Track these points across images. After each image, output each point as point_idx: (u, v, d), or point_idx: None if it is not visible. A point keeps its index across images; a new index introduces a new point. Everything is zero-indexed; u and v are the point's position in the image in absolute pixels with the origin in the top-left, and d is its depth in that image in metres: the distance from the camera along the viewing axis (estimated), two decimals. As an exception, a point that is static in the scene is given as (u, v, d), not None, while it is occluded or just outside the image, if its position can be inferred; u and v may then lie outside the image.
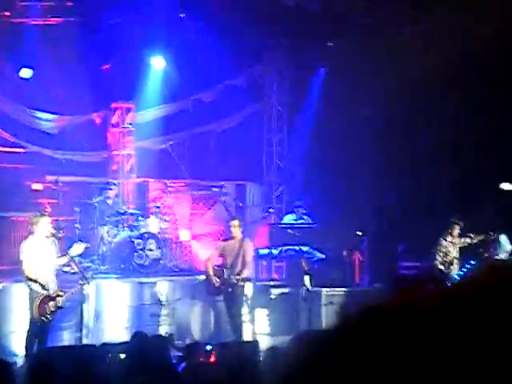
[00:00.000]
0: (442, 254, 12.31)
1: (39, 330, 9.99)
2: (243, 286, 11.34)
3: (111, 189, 14.39)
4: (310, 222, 15.47)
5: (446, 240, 12.46)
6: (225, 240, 11.72)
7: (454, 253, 12.42)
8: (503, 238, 13.11)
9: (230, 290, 11.19)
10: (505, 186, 15.08)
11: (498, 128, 15.05)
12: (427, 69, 14.45)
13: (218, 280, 11.18)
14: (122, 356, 7.61)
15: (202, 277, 11.98)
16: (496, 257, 12.88)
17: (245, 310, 13.00)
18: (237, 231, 11.36)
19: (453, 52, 14.06)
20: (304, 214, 15.55)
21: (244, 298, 13.03)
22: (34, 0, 14.00)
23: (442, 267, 12.17)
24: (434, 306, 1.27)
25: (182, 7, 15.11)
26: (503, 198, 14.44)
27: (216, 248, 11.81)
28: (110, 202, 14.27)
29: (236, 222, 11.41)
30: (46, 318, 9.94)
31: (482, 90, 14.83)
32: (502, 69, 14.72)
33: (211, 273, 11.24)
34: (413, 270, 13.93)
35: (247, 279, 11.35)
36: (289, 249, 15.19)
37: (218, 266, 11.39)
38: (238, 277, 11.14)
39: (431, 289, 1.35)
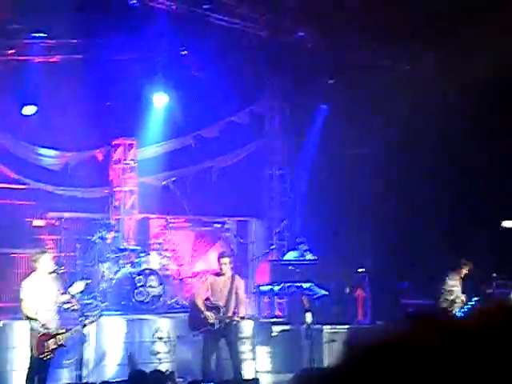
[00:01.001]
0: (446, 293, 12.24)
1: (39, 367, 9.92)
2: (239, 324, 11.21)
3: (113, 226, 14.36)
4: (313, 258, 15.42)
5: (452, 280, 12.40)
6: (214, 275, 11.51)
7: (459, 293, 12.36)
8: None
9: (224, 327, 11.02)
10: (507, 223, 15.10)
11: (500, 166, 15.11)
12: (427, 107, 14.55)
13: (213, 316, 11.02)
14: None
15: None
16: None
17: (246, 348, 12.92)
18: (227, 268, 11.20)
19: (452, 91, 14.15)
20: (306, 250, 15.51)
21: (245, 335, 12.97)
22: (37, 38, 14.10)
23: (445, 305, 12.10)
24: (441, 342, 1.25)
25: (184, 44, 15.22)
26: (505, 236, 14.44)
27: (203, 283, 11.59)
28: (109, 239, 14.23)
29: (226, 260, 11.24)
30: (46, 355, 9.87)
31: (483, 130, 14.91)
32: (501, 109, 14.83)
33: (203, 309, 11.08)
34: (415, 307, 13.85)
35: (244, 317, 11.22)
36: (290, 285, 15.13)
37: (210, 303, 11.21)
38: (235, 315, 11.02)
39: (438, 324, 1.33)
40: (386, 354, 1.28)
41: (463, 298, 12.28)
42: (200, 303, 11.09)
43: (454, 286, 12.38)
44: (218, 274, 11.32)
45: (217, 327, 10.98)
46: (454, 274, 12.43)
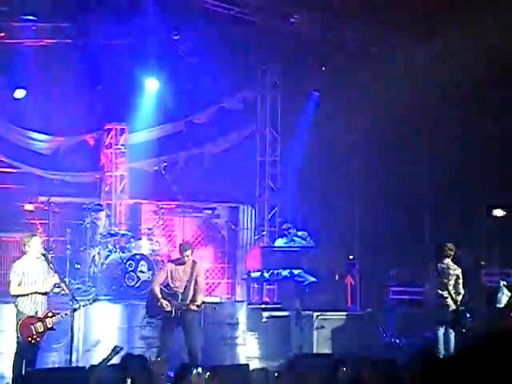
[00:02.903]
0: (439, 278, 12.19)
1: (27, 351, 9.90)
2: (197, 311, 11.09)
3: (102, 210, 14.34)
4: (303, 243, 15.45)
5: (442, 264, 12.35)
6: (174, 263, 11.47)
7: (450, 278, 12.32)
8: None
9: (181, 315, 10.88)
10: (497, 212, 15.15)
11: (489, 154, 15.14)
12: (419, 94, 14.57)
13: (169, 304, 10.98)
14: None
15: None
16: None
17: (237, 333, 12.96)
18: (189, 259, 11.21)
19: (443, 78, 14.17)
20: (296, 235, 15.52)
21: (236, 321, 12.99)
22: (28, 21, 14.03)
23: (440, 291, 12.08)
24: None
25: (176, 29, 15.17)
26: (495, 224, 14.49)
27: (162, 270, 11.55)
28: (100, 223, 14.23)
29: (189, 252, 11.11)
30: (33, 339, 9.85)
31: (474, 118, 14.94)
32: (492, 99, 14.86)
33: (160, 296, 11.04)
34: (404, 294, 13.92)
35: (200, 305, 10.97)
36: (280, 272, 15.17)
37: (168, 290, 11.07)
38: (195, 303, 10.88)
39: None
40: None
41: (452, 287, 12.21)
42: (157, 290, 10.97)
43: (444, 269, 12.30)
44: (178, 263, 11.25)
45: (173, 315, 10.88)
46: (442, 258, 12.35)
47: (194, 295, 11.01)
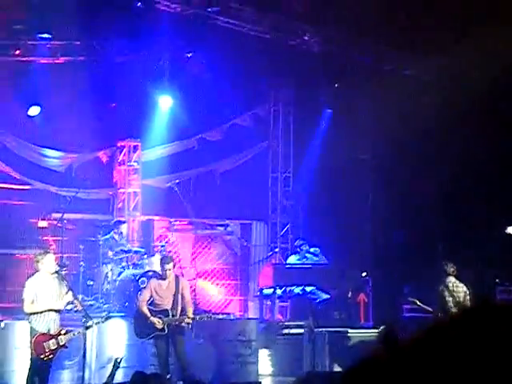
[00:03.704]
0: (451, 298, 12.16)
1: (40, 368, 9.92)
2: (186, 325, 10.96)
3: (117, 227, 14.34)
4: (315, 259, 15.43)
5: (449, 282, 12.34)
6: (157, 279, 11.34)
7: (460, 295, 12.28)
8: None
9: (174, 330, 10.82)
10: (511, 230, 15.09)
11: (503, 172, 15.11)
12: (431, 112, 14.57)
13: (160, 321, 10.94)
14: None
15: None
16: None
17: (249, 350, 12.92)
18: (170, 273, 11.08)
19: (455, 95, 14.16)
20: (308, 252, 15.50)
21: (247, 338, 12.95)
22: (43, 39, 14.14)
23: (453, 310, 12.03)
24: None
25: (189, 46, 15.25)
26: (510, 241, 14.43)
27: (146, 289, 11.43)
28: (115, 239, 14.24)
29: (170, 265, 11.05)
30: (46, 356, 9.86)
31: (484, 134, 14.92)
32: (504, 114, 14.85)
33: (149, 315, 10.90)
34: (418, 312, 13.84)
35: (193, 318, 10.94)
36: (293, 289, 15.14)
37: (155, 308, 10.97)
38: (185, 317, 10.83)
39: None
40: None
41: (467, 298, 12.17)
42: (145, 310, 10.92)
43: (453, 287, 12.28)
44: (161, 278, 11.22)
45: (166, 332, 10.80)
46: (446, 276, 12.32)
47: (183, 309, 10.95)
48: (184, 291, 11.09)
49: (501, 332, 1.27)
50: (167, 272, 11.06)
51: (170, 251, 14.89)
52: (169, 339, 10.91)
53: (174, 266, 11.31)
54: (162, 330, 10.86)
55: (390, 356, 1.32)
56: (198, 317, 11.12)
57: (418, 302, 12.24)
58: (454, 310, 11.99)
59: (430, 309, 12.07)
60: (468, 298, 12.09)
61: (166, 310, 10.93)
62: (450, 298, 12.05)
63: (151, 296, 11.07)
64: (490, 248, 14.73)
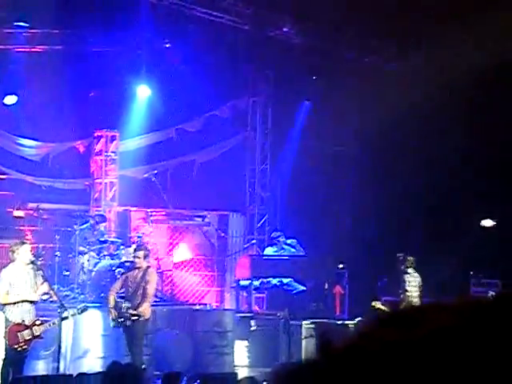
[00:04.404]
0: (414, 289, 12.36)
1: (14, 358, 9.89)
2: (142, 320, 10.79)
3: (98, 222, 14.27)
4: (293, 251, 15.48)
5: (410, 274, 12.51)
6: (130, 269, 11.30)
7: (419, 287, 12.47)
8: None
9: (127, 323, 10.71)
10: (486, 222, 15.22)
11: (478, 166, 15.22)
12: (409, 105, 14.63)
13: (116, 313, 10.78)
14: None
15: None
16: None
17: (224, 342, 12.95)
18: (141, 261, 10.99)
19: (436, 88, 14.23)
20: (286, 243, 15.55)
21: (223, 329, 12.97)
22: (20, 28, 14.04)
23: (416, 300, 12.20)
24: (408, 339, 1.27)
25: (168, 37, 15.19)
26: (483, 234, 14.55)
27: (120, 278, 11.36)
28: (90, 230, 14.20)
29: (141, 253, 11.04)
30: (20, 346, 9.83)
31: (464, 126, 15.01)
32: (485, 105, 14.94)
33: (111, 305, 10.83)
34: (393, 304, 13.93)
35: (139, 315, 10.72)
36: (270, 280, 15.18)
37: (121, 298, 10.95)
38: (133, 311, 10.67)
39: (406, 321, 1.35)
40: (355, 354, 1.29)
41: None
42: (111, 299, 10.85)
43: (410, 279, 12.46)
44: (133, 268, 11.17)
45: (118, 323, 10.70)
46: (405, 268, 12.45)
47: (140, 303, 10.80)
48: (147, 285, 10.88)
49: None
50: (136, 260, 10.99)
51: (146, 242, 14.85)
52: (127, 330, 10.82)
53: (146, 257, 11.21)
54: (114, 320, 10.75)
55: (320, 362, 1.33)
56: (142, 315, 10.77)
57: (378, 306, 12.31)
58: (415, 300, 12.14)
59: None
60: (421, 289, 12.33)
61: (121, 301, 10.84)
62: (410, 288, 12.26)
63: (122, 286, 11.00)
64: (464, 240, 14.85)
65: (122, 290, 11.07)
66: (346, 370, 1.26)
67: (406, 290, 12.20)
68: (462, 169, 15.13)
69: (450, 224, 15.34)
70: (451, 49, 13.65)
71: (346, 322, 13.90)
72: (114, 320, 10.80)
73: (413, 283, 12.26)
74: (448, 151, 15.27)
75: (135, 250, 11.29)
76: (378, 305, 12.29)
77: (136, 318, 10.69)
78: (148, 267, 11.13)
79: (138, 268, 11.00)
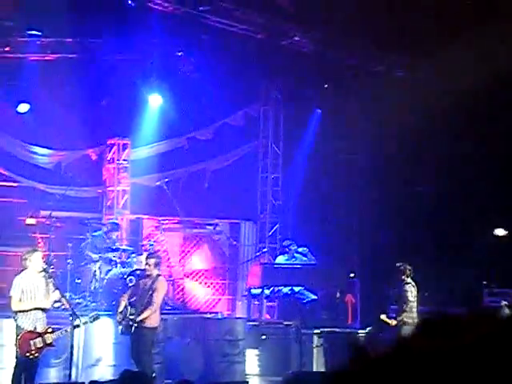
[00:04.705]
0: (415, 298, 12.30)
1: (26, 366, 9.90)
2: (148, 328, 10.68)
3: (112, 230, 14.29)
4: (304, 260, 15.46)
5: (411, 284, 12.44)
6: (141, 277, 11.27)
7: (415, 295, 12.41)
8: None
9: (130, 330, 10.64)
10: (499, 231, 15.15)
11: (493, 173, 15.15)
12: (420, 113, 14.60)
13: (121, 318, 10.67)
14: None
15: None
16: None
17: (236, 350, 12.92)
18: (151, 269, 10.95)
19: (448, 95, 14.19)
20: (297, 252, 15.53)
21: (235, 338, 12.94)
22: (33, 36, 14.10)
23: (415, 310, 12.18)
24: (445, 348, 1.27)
25: (180, 45, 15.23)
26: (497, 244, 14.47)
27: (132, 286, 11.36)
28: (103, 238, 14.22)
29: (152, 261, 10.99)
30: (32, 354, 9.84)
31: (477, 134, 14.96)
32: (499, 113, 14.89)
33: (119, 310, 10.78)
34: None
35: (137, 321, 10.59)
36: (281, 289, 15.16)
37: (129, 304, 10.85)
38: (132, 317, 10.61)
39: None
40: (396, 360, 1.29)
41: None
42: (121, 305, 10.81)
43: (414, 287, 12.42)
44: (145, 276, 11.16)
45: (124, 328, 10.66)
46: (405, 278, 12.38)
47: (142, 310, 10.73)
48: (155, 293, 10.80)
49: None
50: (147, 267, 10.99)
51: (158, 250, 14.87)
52: (132, 338, 10.78)
53: (158, 265, 11.20)
54: (120, 324, 10.72)
55: (361, 369, 1.32)
56: (138, 319, 10.64)
57: (383, 319, 12.26)
58: (412, 310, 12.06)
59: (394, 322, 12.09)
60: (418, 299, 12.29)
61: (127, 308, 10.81)
62: (411, 299, 12.19)
63: (132, 293, 11.00)
64: (477, 250, 14.78)
65: (132, 297, 11.06)
66: (395, 375, 1.26)
67: (410, 301, 12.12)
68: (475, 177, 15.07)
69: (462, 233, 15.26)
70: (462, 55, 13.61)
71: (358, 331, 13.86)
72: (119, 324, 10.78)
73: (414, 293, 12.21)
74: (460, 159, 15.22)
75: (147, 258, 11.30)
76: (384, 318, 12.25)
77: (136, 325, 10.65)
78: (158, 275, 11.10)
79: (149, 275, 11.00)
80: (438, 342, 1.28)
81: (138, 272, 13.53)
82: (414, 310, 12.07)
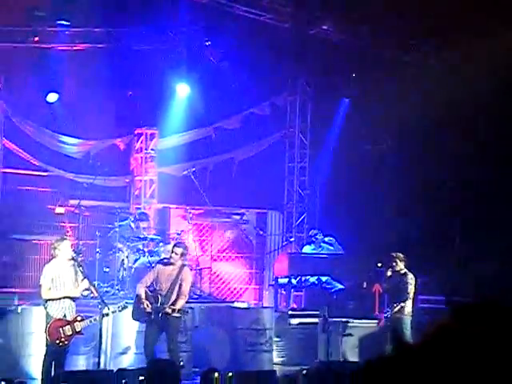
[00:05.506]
0: (411, 287, 12.27)
1: (56, 353, 10.01)
2: (178, 316, 10.74)
3: (140, 219, 14.36)
4: (331, 249, 15.45)
5: (411, 274, 12.39)
6: (163, 264, 11.26)
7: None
8: None
9: (162, 318, 10.65)
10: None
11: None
12: (449, 103, 14.48)
13: (150, 306, 10.74)
14: (141, 378, 7.62)
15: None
16: None
17: (263, 339, 12.96)
18: (177, 258, 10.94)
19: (478, 88, 14.05)
20: (323, 241, 15.52)
21: (262, 327, 12.98)
22: (62, 26, 14.19)
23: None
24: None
25: (208, 35, 15.24)
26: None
27: (151, 271, 11.27)
28: (131, 227, 14.31)
29: (179, 250, 10.97)
30: (62, 341, 9.94)
31: (509, 128, 14.80)
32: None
33: (143, 296, 10.75)
34: (433, 303, 13.83)
35: (181, 310, 10.72)
36: (308, 279, 15.16)
37: (151, 291, 10.87)
38: (172, 307, 10.63)
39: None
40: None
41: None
42: (142, 291, 10.77)
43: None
44: (167, 263, 11.14)
45: (153, 317, 10.66)
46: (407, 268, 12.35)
47: (176, 300, 10.79)
48: (183, 282, 10.87)
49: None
50: (173, 256, 10.97)
51: (185, 239, 14.93)
52: (158, 328, 10.77)
53: (184, 255, 11.22)
54: (150, 314, 10.72)
55: (400, 357, 1.34)
56: (180, 312, 10.75)
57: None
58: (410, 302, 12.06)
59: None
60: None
61: (158, 296, 10.85)
62: (411, 287, 12.19)
63: (153, 280, 11.01)
64: (504, 241, 14.64)
65: (153, 285, 11.04)
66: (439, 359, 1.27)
67: (409, 292, 12.14)
68: (499, 167, 14.93)
69: (490, 224, 15.14)
70: (492, 45, 13.48)
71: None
72: (149, 313, 10.76)
73: (413, 284, 12.21)
74: (486, 150, 15.09)
75: (174, 246, 11.30)
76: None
77: (174, 314, 10.70)
78: (183, 265, 11.13)
79: (172, 264, 10.99)
80: (479, 328, 1.29)
81: (165, 261, 13.60)
82: (411, 301, 12.10)
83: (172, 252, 11.10)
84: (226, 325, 12.85)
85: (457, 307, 1.43)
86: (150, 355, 10.55)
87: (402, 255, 12.35)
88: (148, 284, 10.97)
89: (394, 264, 12.30)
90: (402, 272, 12.27)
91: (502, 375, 1.25)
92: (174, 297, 10.80)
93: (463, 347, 1.28)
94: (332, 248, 15.55)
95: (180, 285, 10.86)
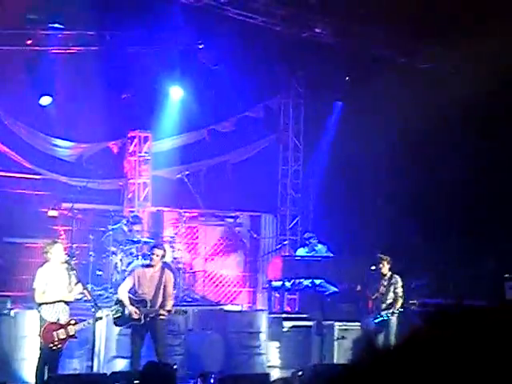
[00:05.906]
0: (399, 290, 12.32)
1: (49, 357, 9.99)
2: (165, 319, 10.83)
3: (134, 222, 14.33)
4: (323, 252, 15.45)
5: (397, 276, 12.42)
6: (143, 267, 11.25)
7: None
8: None
9: (149, 322, 10.69)
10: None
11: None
12: (444, 106, 14.49)
13: (138, 311, 10.72)
14: (136, 382, 7.60)
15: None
16: None
17: (257, 342, 12.95)
18: (157, 260, 10.96)
19: (471, 89, 14.06)
20: (317, 244, 15.51)
21: (256, 330, 12.98)
22: (55, 29, 14.16)
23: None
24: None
25: (201, 37, 15.24)
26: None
27: (130, 276, 11.26)
28: (123, 230, 14.28)
29: (159, 252, 11.01)
30: (55, 345, 9.92)
31: (499, 130, 14.82)
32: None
33: (128, 303, 10.74)
34: (427, 307, 13.82)
35: (180, 311, 10.98)
36: (301, 281, 15.15)
37: (135, 297, 10.84)
38: (166, 309, 10.73)
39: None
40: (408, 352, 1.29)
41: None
42: (125, 297, 10.78)
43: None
44: (147, 266, 11.15)
45: (142, 322, 10.66)
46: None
47: (163, 301, 10.83)
48: (167, 283, 10.94)
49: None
50: (154, 258, 10.96)
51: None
52: (146, 331, 10.78)
53: (163, 257, 11.23)
54: (139, 320, 10.69)
55: (372, 363, 1.33)
56: (174, 309, 10.93)
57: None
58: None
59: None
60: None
61: (145, 300, 10.83)
62: (399, 290, 12.24)
63: (134, 284, 10.98)
64: (502, 242, 14.65)
65: (135, 287, 11.02)
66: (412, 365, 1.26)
67: (399, 295, 12.18)
68: (501, 171, 14.94)
69: (487, 224, 15.14)
70: (490, 47, 13.48)
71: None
72: (137, 319, 10.73)
73: (400, 287, 12.27)
74: (488, 151, 15.08)
75: (154, 248, 11.28)
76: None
77: (167, 314, 10.75)
78: (163, 267, 11.15)
79: (152, 266, 10.98)
80: (449, 332, 1.29)
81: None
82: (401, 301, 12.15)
83: (152, 254, 11.08)
84: (219, 328, 12.84)
85: (433, 312, 1.43)
86: (136, 359, 10.56)
87: (388, 258, 12.39)
88: (128, 289, 10.94)
89: (381, 266, 12.35)
90: (389, 275, 12.30)
91: (468, 379, 1.24)
92: (160, 299, 10.82)
93: (428, 351, 1.27)
94: (325, 249, 15.55)
95: (164, 286, 10.90)
